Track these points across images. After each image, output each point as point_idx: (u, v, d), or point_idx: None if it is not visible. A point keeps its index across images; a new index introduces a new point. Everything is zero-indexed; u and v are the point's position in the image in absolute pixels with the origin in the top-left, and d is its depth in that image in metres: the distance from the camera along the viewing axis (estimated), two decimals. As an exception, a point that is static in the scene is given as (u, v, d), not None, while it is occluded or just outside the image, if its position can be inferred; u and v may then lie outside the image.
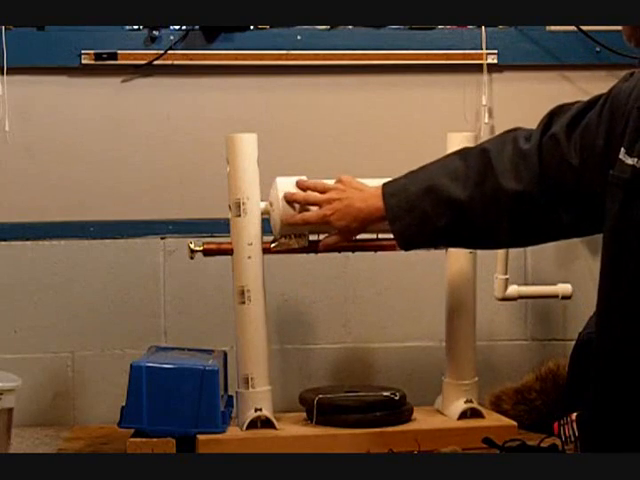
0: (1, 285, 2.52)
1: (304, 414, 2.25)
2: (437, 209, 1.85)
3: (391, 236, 2.24)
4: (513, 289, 2.51)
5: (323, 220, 2.03)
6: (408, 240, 1.91)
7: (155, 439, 2.09)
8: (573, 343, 2.34)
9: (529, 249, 2.64)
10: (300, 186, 2.09)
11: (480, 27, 2.60)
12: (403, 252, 2.26)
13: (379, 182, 2.23)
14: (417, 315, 2.62)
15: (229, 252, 2.20)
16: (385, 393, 2.24)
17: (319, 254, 2.27)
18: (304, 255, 2.25)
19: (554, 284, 2.55)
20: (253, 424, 2.17)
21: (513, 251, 2.63)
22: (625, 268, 1.61)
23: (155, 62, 2.53)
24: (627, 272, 1.61)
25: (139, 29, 2.56)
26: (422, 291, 2.61)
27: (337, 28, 2.60)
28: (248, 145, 2.18)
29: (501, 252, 2.49)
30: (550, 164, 1.78)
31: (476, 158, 1.86)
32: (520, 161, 1.81)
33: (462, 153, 1.91)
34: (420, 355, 2.61)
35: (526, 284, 2.63)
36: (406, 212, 1.88)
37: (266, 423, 2.17)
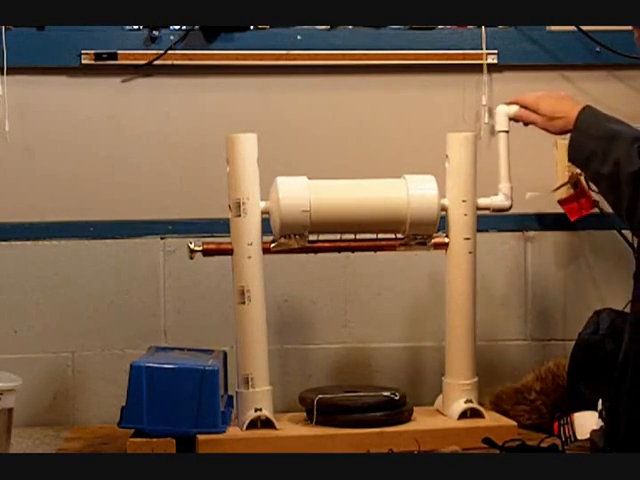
0: (1, 285, 2.52)
1: (304, 414, 2.25)
2: (608, 158, 1.90)
3: (391, 236, 2.25)
4: None
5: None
6: (577, 156, 1.98)
7: (155, 439, 2.09)
8: (573, 343, 2.34)
9: (529, 249, 2.64)
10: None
11: (480, 27, 2.60)
12: (402, 252, 2.27)
13: (379, 182, 2.24)
14: (417, 315, 2.62)
15: (229, 252, 2.20)
16: (385, 393, 2.24)
17: (319, 254, 2.27)
18: (304, 255, 2.26)
19: (553, 284, 2.56)
20: (253, 424, 2.17)
21: (513, 251, 2.64)
22: None
23: (155, 62, 2.53)
24: None
25: (139, 29, 2.56)
26: (422, 291, 2.61)
27: (337, 28, 2.60)
28: (248, 145, 2.19)
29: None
30: None
31: None
32: None
33: None
34: (420, 355, 2.61)
35: (526, 284, 2.63)
36: (589, 137, 1.95)
37: (266, 423, 2.17)
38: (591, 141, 1.94)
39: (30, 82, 2.53)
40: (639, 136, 1.90)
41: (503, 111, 2.23)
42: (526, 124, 2.17)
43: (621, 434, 1.77)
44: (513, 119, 2.21)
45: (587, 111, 1.99)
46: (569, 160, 2.02)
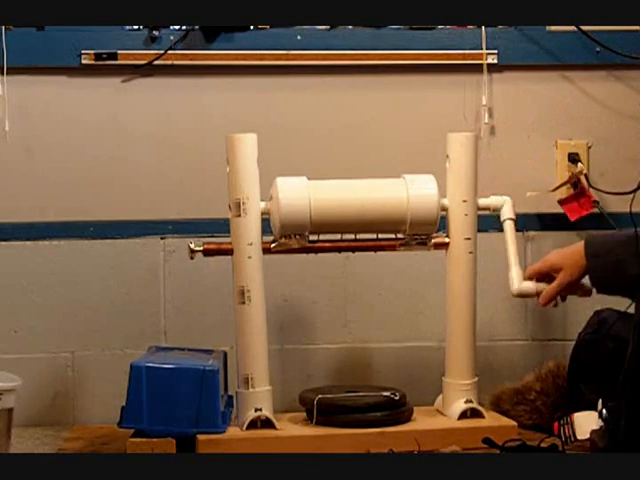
0: (1, 285, 2.52)
1: (304, 414, 2.25)
2: (633, 257, 1.97)
3: (391, 236, 2.25)
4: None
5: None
6: (601, 281, 2.10)
7: (155, 439, 2.09)
8: (573, 343, 2.34)
9: (529, 249, 2.64)
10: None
11: (480, 27, 2.60)
12: (402, 252, 2.27)
13: (379, 182, 2.24)
14: (417, 315, 2.62)
15: (229, 252, 2.20)
16: (385, 393, 2.24)
17: (319, 254, 2.27)
18: (304, 255, 2.26)
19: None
20: (253, 424, 2.17)
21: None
22: None
23: (155, 62, 2.53)
24: None
25: (139, 29, 2.55)
26: (422, 291, 2.61)
27: (337, 28, 2.60)
28: (248, 145, 2.19)
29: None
30: None
31: None
32: None
33: None
34: (420, 355, 2.61)
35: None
36: (604, 254, 2.06)
37: (266, 423, 2.17)
38: (609, 256, 2.03)
39: (30, 82, 2.53)
40: None
41: (526, 290, 2.27)
42: (563, 298, 2.24)
43: (624, 438, 1.77)
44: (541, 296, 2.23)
45: (590, 236, 2.14)
46: (599, 291, 2.13)
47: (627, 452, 1.72)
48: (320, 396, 2.21)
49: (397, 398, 2.22)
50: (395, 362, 2.61)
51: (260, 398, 2.18)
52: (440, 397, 2.32)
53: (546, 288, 2.20)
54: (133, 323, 2.54)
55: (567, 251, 2.18)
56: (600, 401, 1.93)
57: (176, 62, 2.54)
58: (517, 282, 2.27)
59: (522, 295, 2.28)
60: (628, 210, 1.95)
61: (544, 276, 2.23)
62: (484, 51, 2.61)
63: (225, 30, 2.55)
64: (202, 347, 2.36)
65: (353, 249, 2.28)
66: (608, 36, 2.57)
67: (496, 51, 2.62)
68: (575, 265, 2.14)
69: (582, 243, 2.13)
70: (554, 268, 2.18)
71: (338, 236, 2.24)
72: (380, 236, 2.25)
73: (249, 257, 2.18)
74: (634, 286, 1.94)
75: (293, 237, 2.19)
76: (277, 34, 2.57)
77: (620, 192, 2.51)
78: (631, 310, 1.90)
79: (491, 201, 2.31)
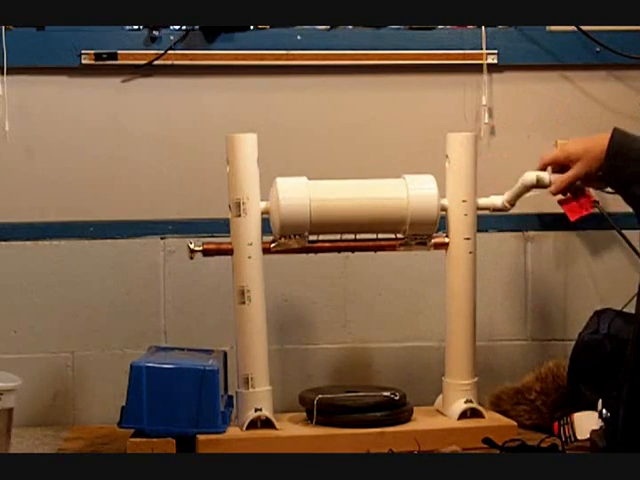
0: (1, 285, 2.52)
1: (304, 414, 2.25)
2: None
3: (391, 236, 2.25)
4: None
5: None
6: (616, 180, 1.89)
7: (155, 439, 2.09)
8: (573, 343, 2.34)
9: (529, 249, 2.64)
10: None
11: (480, 27, 2.60)
12: (402, 252, 2.27)
13: (379, 182, 2.24)
14: (417, 315, 2.62)
15: (229, 252, 2.20)
16: (385, 393, 2.24)
17: (319, 254, 2.27)
18: (304, 255, 2.26)
19: (553, 284, 2.56)
20: (253, 424, 2.17)
21: (513, 251, 2.64)
22: None
23: (155, 62, 2.53)
24: None
25: (139, 29, 2.55)
26: (422, 291, 2.61)
27: (337, 28, 2.60)
28: (248, 145, 2.18)
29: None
30: None
31: None
32: None
33: None
34: (420, 355, 2.61)
35: (526, 284, 2.63)
36: (625, 159, 1.86)
37: (266, 423, 2.17)
38: (630, 163, 1.86)
39: (30, 82, 2.53)
40: None
41: (535, 179, 2.19)
42: (576, 192, 2.13)
43: (621, 437, 1.76)
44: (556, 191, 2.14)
45: (618, 133, 1.91)
46: (608, 184, 1.97)
47: (625, 450, 1.72)
48: (320, 396, 2.21)
49: (397, 398, 2.22)
50: (395, 362, 2.61)
51: (260, 398, 2.18)
52: (440, 397, 2.32)
53: (560, 176, 2.09)
54: (133, 323, 2.54)
55: (589, 142, 2.00)
56: (600, 401, 1.93)
57: (176, 62, 2.54)
58: (530, 172, 2.20)
59: (534, 186, 2.20)
60: (628, 210, 1.95)
61: (560, 168, 2.11)
62: (484, 51, 2.61)
63: (225, 30, 2.55)
64: (202, 347, 2.36)
65: (353, 249, 2.28)
66: (608, 36, 2.57)
67: (496, 51, 2.62)
68: (595, 158, 1.98)
69: (604, 136, 1.92)
70: (571, 158, 2.04)
71: (338, 236, 2.24)
72: (380, 236, 2.25)
73: (249, 257, 2.18)
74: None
75: (293, 237, 2.19)
76: (277, 34, 2.57)
77: (620, 192, 2.50)
78: (630, 310, 1.90)
79: (491, 201, 2.31)
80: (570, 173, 2.04)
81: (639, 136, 1.90)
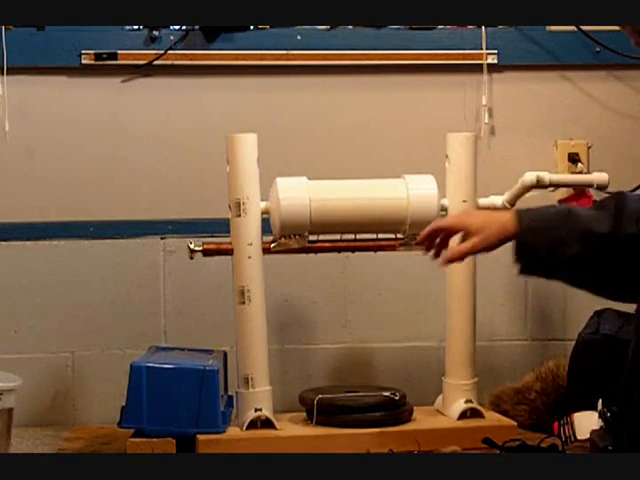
0: (1, 285, 2.52)
1: (304, 414, 2.25)
2: (572, 235, 1.73)
3: (391, 236, 2.25)
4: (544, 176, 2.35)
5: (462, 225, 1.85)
6: (532, 260, 1.80)
7: (155, 439, 2.09)
8: (573, 343, 2.34)
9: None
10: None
11: (480, 27, 2.60)
12: (402, 252, 2.27)
13: (379, 182, 2.24)
14: (417, 315, 2.62)
15: (229, 252, 2.20)
16: (385, 393, 2.24)
17: (319, 254, 2.27)
18: (304, 255, 2.26)
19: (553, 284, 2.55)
20: (253, 424, 2.17)
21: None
22: None
23: (155, 62, 2.53)
24: None
25: (139, 29, 2.55)
26: (422, 291, 2.61)
27: (337, 28, 2.60)
28: (248, 145, 2.19)
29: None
30: None
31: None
32: None
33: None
34: (420, 355, 2.61)
35: (526, 284, 2.63)
36: (541, 230, 1.76)
37: (266, 423, 2.17)
38: (545, 232, 1.74)
39: (30, 82, 2.53)
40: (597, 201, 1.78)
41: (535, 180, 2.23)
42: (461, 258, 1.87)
43: (631, 441, 1.75)
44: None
45: (521, 210, 1.79)
46: (522, 270, 1.82)
47: (635, 450, 1.71)
48: (320, 396, 2.21)
49: (397, 398, 2.23)
50: (395, 362, 2.61)
51: (260, 398, 2.18)
52: (440, 397, 2.32)
53: (457, 246, 1.85)
54: (133, 323, 2.54)
55: (489, 217, 1.83)
56: (600, 401, 1.93)
57: (176, 62, 2.54)
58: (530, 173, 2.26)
59: (534, 186, 2.24)
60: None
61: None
62: (484, 51, 2.61)
63: (225, 30, 2.55)
64: (202, 347, 2.36)
65: (353, 249, 2.28)
66: (608, 36, 2.57)
67: (496, 51, 2.62)
68: (495, 235, 1.81)
69: (507, 215, 1.78)
70: (469, 230, 1.82)
71: (338, 236, 2.24)
72: (380, 236, 2.25)
73: (249, 257, 2.18)
74: (572, 267, 1.76)
75: (293, 237, 2.19)
76: (277, 34, 2.57)
77: (620, 192, 2.50)
78: (630, 310, 1.89)
79: (491, 201, 2.30)
80: (468, 245, 1.84)
81: (541, 207, 1.80)
